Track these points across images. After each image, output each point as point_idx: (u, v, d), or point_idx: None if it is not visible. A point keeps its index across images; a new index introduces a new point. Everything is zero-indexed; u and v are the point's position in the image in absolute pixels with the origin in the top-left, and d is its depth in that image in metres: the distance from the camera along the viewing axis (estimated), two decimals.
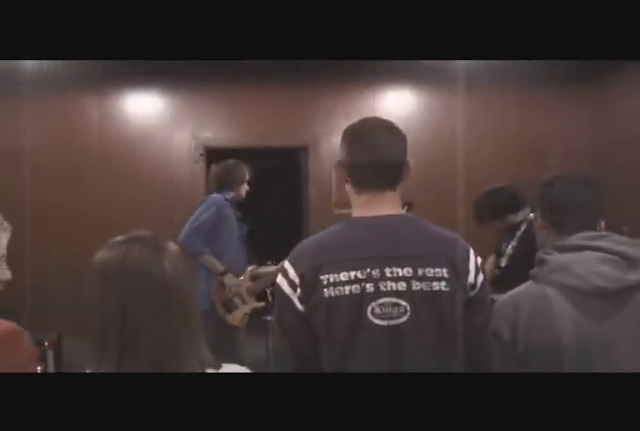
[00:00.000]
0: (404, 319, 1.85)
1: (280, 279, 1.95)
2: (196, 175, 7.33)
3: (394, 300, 1.85)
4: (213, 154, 6.99)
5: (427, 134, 7.14)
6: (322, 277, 1.86)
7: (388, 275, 1.86)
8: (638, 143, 6.65)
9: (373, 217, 1.96)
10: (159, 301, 1.47)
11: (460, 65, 7.13)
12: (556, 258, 1.96)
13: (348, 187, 2.04)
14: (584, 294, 1.88)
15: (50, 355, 5.41)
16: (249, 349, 5.04)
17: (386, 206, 1.98)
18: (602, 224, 2.06)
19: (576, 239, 1.96)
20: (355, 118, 2.15)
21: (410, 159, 2.01)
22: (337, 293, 1.84)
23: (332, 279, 1.85)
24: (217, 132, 7.56)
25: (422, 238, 1.95)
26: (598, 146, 7.48)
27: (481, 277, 1.97)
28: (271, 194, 8.97)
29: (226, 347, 4.15)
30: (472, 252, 1.98)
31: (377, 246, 1.89)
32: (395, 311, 1.85)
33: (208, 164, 5.94)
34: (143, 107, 7.50)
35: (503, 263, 4.02)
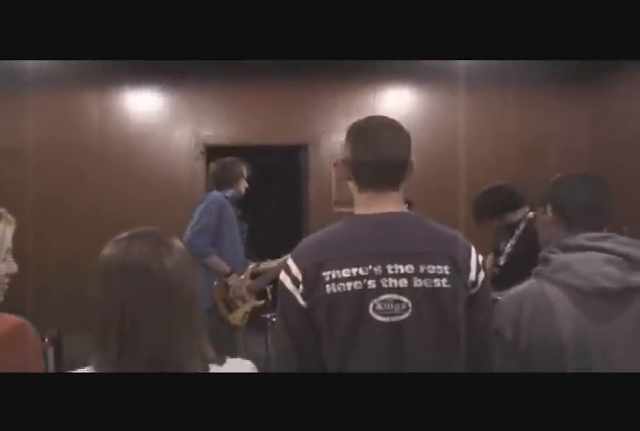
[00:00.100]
0: (405, 315, 1.86)
1: (282, 276, 1.96)
2: (196, 173, 7.34)
3: (395, 297, 1.86)
4: (213, 152, 6.99)
5: (427, 132, 7.14)
6: (324, 274, 1.87)
7: (390, 271, 1.87)
8: (638, 143, 6.66)
9: (375, 215, 1.97)
10: (159, 297, 1.48)
11: (461, 64, 7.14)
12: (561, 257, 1.97)
13: (351, 185, 2.05)
14: (587, 294, 1.89)
15: (51, 352, 5.40)
16: (249, 347, 5.05)
17: (388, 204, 1.99)
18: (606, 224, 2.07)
19: (581, 239, 1.97)
20: (355, 117, 2.15)
21: (413, 158, 2.01)
22: (339, 289, 1.86)
23: (334, 276, 1.86)
24: (217, 130, 7.57)
25: (423, 235, 1.96)
26: (597, 146, 7.49)
27: (482, 274, 1.98)
28: (270, 192, 8.95)
29: (226, 347, 4.15)
30: (473, 250, 1.99)
31: (379, 243, 1.90)
32: (397, 307, 1.86)
33: (209, 162, 5.92)
34: (143, 104, 7.51)
35: (502, 262, 4.03)
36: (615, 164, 6.79)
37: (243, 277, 4.82)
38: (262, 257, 5.19)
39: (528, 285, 2.04)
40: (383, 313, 1.86)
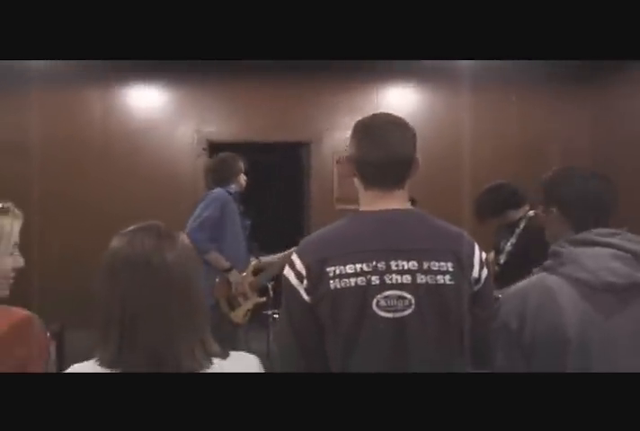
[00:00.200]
0: (408, 311, 1.87)
1: (287, 271, 1.97)
2: (198, 169, 7.30)
3: (399, 293, 1.87)
4: (216, 149, 6.96)
5: (429, 131, 7.13)
6: (328, 269, 1.88)
7: (394, 268, 1.88)
8: (639, 143, 6.65)
9: (379, 211, 1.98)
10: (160, 291, 1.48)
11: (463, 63, 7.13)
12: (570, 251, 1.98)
13: (356, 182, 2.06)
14: (594, 288, 1.91)
15: (52, 347, 5.40)
16: (250, 344, 5.05)
17: (393, 201, 1.99)
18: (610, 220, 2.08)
19: (591, 234, 1.99)
20: (357, 115, 2.16)
21: (419, 156, 2.02)
22: (343, 285, 1.87)
23: (338, 271, 1.87)
24: (219, 126, 7.57)
25: (427, 232, 1.97)
26: (599, 146, 7.48)
27: (485, 271, 1.99)
28: (272, 189, 8.97)
29: (227, 344, 4.10)
30: (477, 247, 2.00)
31: (383, 239, 1.91)
32: (400, 303, 1.87)
33: (211, 158, 5.91)
34: (146, 101, 7.51)
35: (502, 260, 4.03)
36: (616, 164, 6.78)
37: (245, 273, 4.79)
38: (264, 254, 5.16)
39: (535, 278, 2.05)
40: (386, 309, 1.87)
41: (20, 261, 1.86)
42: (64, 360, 5.69)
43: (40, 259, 6.68)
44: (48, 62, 6.67)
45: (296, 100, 7.53)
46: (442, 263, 1.90)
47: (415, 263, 1.89)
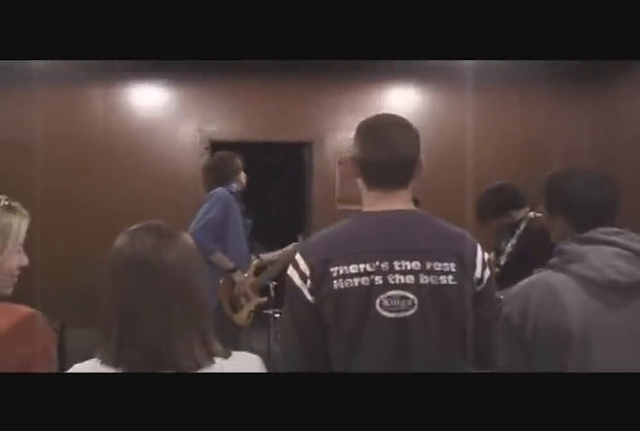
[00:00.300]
0: (411, 312, 1.88)
1: (290, 271, 1.98)
2: (200, 168, 7.35)
3: (402, 293, 1.88)
4: (218, 148, 6.95)
5: (431, 131, 7.13)
6: (332, 270, 1.89)
7: (397, 268, 1.89)
8: None
9: (382, 212, 1.98)
10: (159, 290, 1.49)
11: (465, 63, 7.14)
12: (576, 249, 1.99)
13: (359, 182, 2.06)
14: (598, 286, 1.93)
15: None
16: (251, 343, 5.05)
17: (397, 202, 2.00)
18: (613, 219, 2.10)
19: (597, 233, 2.00)
20: (360, 115, 2.17)
21: (422, 157, 2.03)
22: (346, 285, 1.87)
23: (341, 271, 1.88)
24: (222, 126, 7.58)
25: (430, 232, 1.97)
26: (600, 147, 7.48)
27: (487, 272, 2.00)
28: (274, 189, 8.98)
29: (229, 345, 4.06)
30: (479, 248, 2.01)
31: (386, 240, 1.92)
32: (403, 303, 1.88)
33: None
34: (148, 100, 7.52)
35: (503, 261, 4.03)
36: (617, 165, 6.78)
37: (246, 274, 4.78)
38: (264, 252, 5.14)
39: (539, 275, 2.07)
40: (389, 309, 1.87)
41: (24, 260, 1.87)
42: (64, 358, 5.71)
43: (41, 257, 6.70)
44: (51, 61, 6.68)
45: (298, 100, 7.54)
46: (445, 264, 1.91)
47: (418, 263, 1.89)
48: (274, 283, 5.31)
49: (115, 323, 1.49)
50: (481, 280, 1.98)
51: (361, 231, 1.98)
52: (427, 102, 7.73)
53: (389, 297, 1.87)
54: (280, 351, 2.12)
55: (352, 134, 2.08)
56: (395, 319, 1.88)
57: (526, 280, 2.09)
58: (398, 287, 1.88)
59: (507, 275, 3.65)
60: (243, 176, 4.93)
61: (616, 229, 2.03)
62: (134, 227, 1.59)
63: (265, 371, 1.63)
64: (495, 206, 4.09)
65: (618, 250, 1.95)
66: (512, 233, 4.04)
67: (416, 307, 1.88)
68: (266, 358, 5.14)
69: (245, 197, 5.01)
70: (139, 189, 7.29)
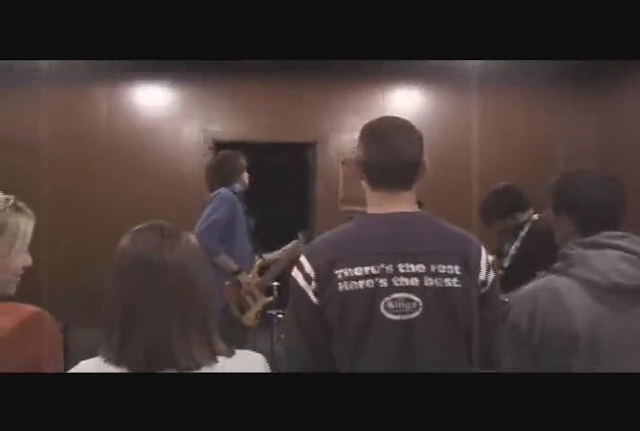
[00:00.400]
0: (416, 314, 1.88)
1: (295, 273, 1.98)
2: (204, 168, 7.35)
3: (406, 295, 1.88)
4: (222, 148, 6.95)
5: (435, 132, 7.13)
6: (336, 272, 1.89)
7: (401, 270, 1.89)
8: None
9: (387, 214, 1.99)
10: (160, 290, 1.50)
11: (470, 64, 7.14)
12: (580, 253, 1.99)
13: (364, 184, 2.07)
14: (603, 290, 1.93)
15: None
16: (255, 343, 5.04)
17: (401, 204, 2.01)
18: (620, 222, 2.10)
19: (600, 237, 2.00)
20: (364, 116, 2.18)
21: (426, 159, 2.04)
22: (351, 287, 1.88)
23: (346, 274, 1.89)
24: (225, 126, 7.58)
25: (434, 235, 1.98)
26: (605, 149, 7.47)
27: (492, 274, 2.00)
28: (278, 189, 8.98)
29: (235, 346, 4.01)
30: (483, 250, 2.01)
31: (391, 242, 1.92)
32: (408, 306, 1.88)
33: None
34: (152, 100, 7.53)
35: (506, 263, 4.02)
36: (623, 167, 6.78)
37: (251, 274, 4.74)
38: (267, 252, 5.10)
39: (544, 280, 2.07)
40: (394, 312, 1.88)
41: (29, 260, 1.88)
42: (67, 358, 5.69)
43: (45, 257, 6.71)
44: (56, 61, 6.69)
45: (302, 100, 7.54)
46: (449, 266, 1.91)
47: (423, 266, 1.90)
48: (277, 283, 5.30)
49: (117, 323, 1.50)
50: (485, 282, 1.98)
51: (366, 233, 1.98)
52: (431, 103, 7.73)
53: (394, 300, 1.88)
54: (284, 352, 2.12)
55: (356, 134, 2.10)
56: (400, 321, 1.88)
57: (532, 284, 2.09)
58: (403, 290, 1.88)
59: (511, 277, 3.64)
60: (246, 176, 4.88)
61: (620, 233, 2.03)
62: (137, 227, 1.59)
63: (269, 370, 1.63)
64: (500, 207, 4.07)
65: (622, 253, 1.96)
66: (516, 236, 4.02)
67: (421, 309, 1.88)
68: (270, 358, 5.13)
69: (249, 197, 4.97)
70: (143, 189, 7.29)
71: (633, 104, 7.06)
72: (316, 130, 7.61)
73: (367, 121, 2.11)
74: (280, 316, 5.51)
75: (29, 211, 1.86)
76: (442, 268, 1.91)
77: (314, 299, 1.92)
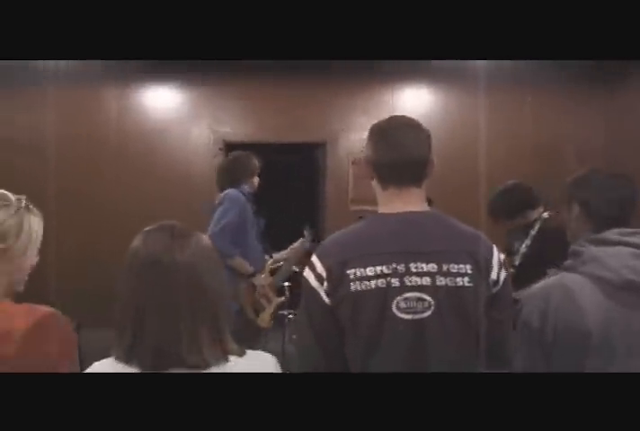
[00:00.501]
0: (427, 313, 1.89)
1: (307, 273, 1.98)
2: (214, 169, 7.35)
3: (418, 295, 1.88)
4: (232, 149, 6.95)
5: (443, 131, 7.13)
6: (348, 272, 1.89)
7: (413, 270, 1.89)
8: None
9: (398, 213, 1.99)
10: (170, 290, 1.51)
11: (477, 64, 7.14)
12: (591, 250, 1.99)
13: (374, 183, 2.07)
14: (615, 287, 1.92)
15: None
16: (267, 344, 5.03)
17: (411, 202, 2.01)
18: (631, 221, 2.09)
19: (612, 234, 2.00)
20: (373, 116, 2.19)
21: (434, 157, 2.04)
22: (363, 287, 1.88)
23: (358, 273, 1.89)
24: (235, 127, 7.60)
25: (446, 234, 1.98)
26: (613, 147, 7.45)
27: (504, 273, 2.00)
28: (288, 189, 8.98)
29: (247, 346, 3.97)
30: (495, 249, 2.02)
31: (403, 241, 1.93)
32: (420, 305, 1.88)
33: None
34: (161, 101, 7.55)
35: (517, 262, 4.01)
36: (630, 166, 6.75)
37: (263, 275, 4.71)
38: (276, 251, 5.08)
39: (556, 277, 2.06)
40: (406, 311, 1.88)
41: (35, 259, 1.89)
42: (80, 359, 5.70)
43: (55, 258, 6.74)
44: (65, 62, 6.72)
45: (311, 100, 7.55)
46: (461, 265, 1.91)
47: (434, 265, 1.90)
48: (288, 283, 5.29)
49: (128, 323, 1.51)
50: (497, 281, 1.98)
51: (377, 232, 1.99)
52: (439, 103, 7.73)
53: (406, 299, 1.88)
54: (296, 352, 2.12)
55: (365, 134, 2.11)
56: (412, 321, 1.88)
57: (543, 282, 2.09)
58: (415, 289, 1.88)
59: (522, 275, 3.63)
60: (256, 180, 4.81)
61: (631, 229, 2.02)
62: (149, 228, 1.60)
63: (279, 370, 1.64)
64: (509, 205, 4.04)
65: (635, 250, 1.95)
66: (526, 234, 4.01)
67: (433, 309, 1.89)
68: (281, 358, 5.13)
69: (258, 197, 4.92)
70: (152, 191, 7.32)
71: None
72: (326, 130, 7.62)
73: (376, 121, 2.12)
74: (291, 316, 5.51)
75: (35, 210, 1.87)
76: (454, 268, 1.91)
77: (326, 299, 1.93)
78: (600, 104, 7.67)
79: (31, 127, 7.29)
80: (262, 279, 4.66)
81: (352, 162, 7.44)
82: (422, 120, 2.09)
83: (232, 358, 1.55)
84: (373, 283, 1.88)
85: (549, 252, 3.53)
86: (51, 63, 6.85)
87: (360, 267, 1.89)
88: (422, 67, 7.07)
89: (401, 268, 1.89)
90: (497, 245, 2.05)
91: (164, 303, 1.50)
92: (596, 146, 7.56)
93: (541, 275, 2.84)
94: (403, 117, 2.12)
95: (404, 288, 1.88)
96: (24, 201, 1.83)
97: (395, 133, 2.02)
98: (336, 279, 1.91)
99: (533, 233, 3.98)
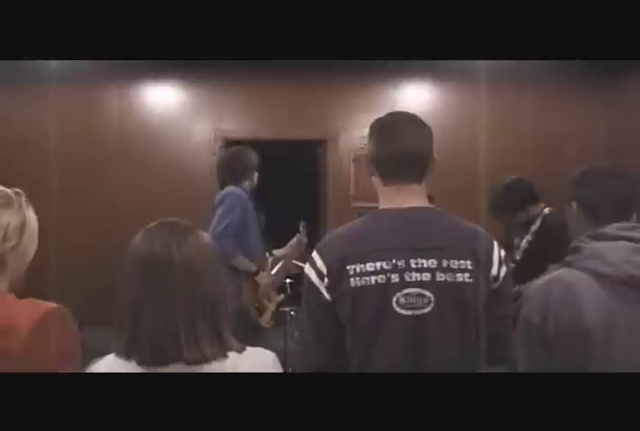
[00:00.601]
0: (427, 309, 1.88)
1: (307, 269, 1.99)
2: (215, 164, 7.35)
3: (418, 290, 1.88)
4: (232, 147, 6.98)
5: (446, 128, 7.13)
6: (348, 267, 1.89)
7: (413, 266, 1.89)
8: None
9: (399, 209, 1.99)
10: (166, 286, 1.52)
11: (480, 61, 7.12)
12: (592, 246, 1.99)
13: (375, 179, 2.07)
14: (616, 282, 1.92)
15: None
16: (268, 341, 5.04)
17: (412, 198, 2.01)
18: (634, 216, 2.09)
19: (612, 229, 2.00)
20: (374, 113, 2.18)
21: (436, 153, 2.04)
22: (363, 283, 1.88)
23: (358, 269, 1.89)
24: (236, 124, 7.60)
25: (446, 230, 1.98)
26: (615, 144, 7.45)
27: (504, 269, 2.00)
28: (289, 186, 8.98)
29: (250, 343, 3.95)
30: (496, 245, 2.01)
31: (403, 237, 1.93)
32: (420, 301, 1.88)
33: None
34: (163, 99, 7.55)
35: (518, 257, 4.02)
36: (633, 162, 6.76)
37: (265, 273, 4.65)
38: (277, 248, 5.06)
39: (557, 273, 2.06)
40: (406, 307, 1.88)
41: (32, 254, 1.88)
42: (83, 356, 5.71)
43: (56, 257, 6.75)
44: (66, 61, 6.71)
45: (312, 98, 7.55)
46: (461, 261, 1.91)
47: (435, 261, 1.90)
48: (290, 280, 5.28)
49: (126, 319, 1.53)
50: (497, 277, 1.98)
51: (378, 228, 1.99)
52: (442, 100, 7.73)
53: (406, 295, 1.88)
54: (299, 349, 2.13)
55: (367, 131, 2.11)
56: (412, 316, 1.88)
57: (544, 278, 2.10)
58: (415, 285, 1.88)
59: (523, 271, 3.64)
60: (256, 175, 4.73)
61: (632, 224, 2.02)
62: (150, 225, 1.61)
63: (279, 367, 1.65)
64: (511, 201, 4.04)
65: (636, 245, 1.95)
66: (527, 230, 4.02)
67: (433, 305, 1.89)
68: (283, 356, 5.14)
69: (259, 194, 4.89)
70: (154, 189, 7.32)
71: None
72: (327, 128, 7.63)
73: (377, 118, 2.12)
74: (294, 313, 5.51)
75: (30, 203, 1.87)
76: (454, 263, 1.91)
77: (326, 295, 1.93)
78: (603, 100, 7.67)
79: (32, 125, 7.29)
80: (266, 278, 4.63)
81: (353, 160, 7.44)
82: (423, 117, 2.09)
83: (231, 354, 1.56)
84: (373, 279, 1.88)
85: (550, 248, 3.54)
86: (52, 62, 6.84)
87: (360, 262, 1.89)
88: (424, 65, 7.06)
89: (401, 263, 1.89)
90: (498, 241, 2.05)
91: (161, 299, 1.51)
92: (598, 143, 7.56)
93: (542, 270, 2.84)
94: (404, 113, 2.11)
95: (404, 284, 1.88)
96: (23, 197, 1.82)
97: (397, 129, 2.02)
98: (336, 275, 1.91)
99: (534, 228, 3.99)
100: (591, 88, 7.63)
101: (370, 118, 2.13)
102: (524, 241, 4.02)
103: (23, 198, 1.81)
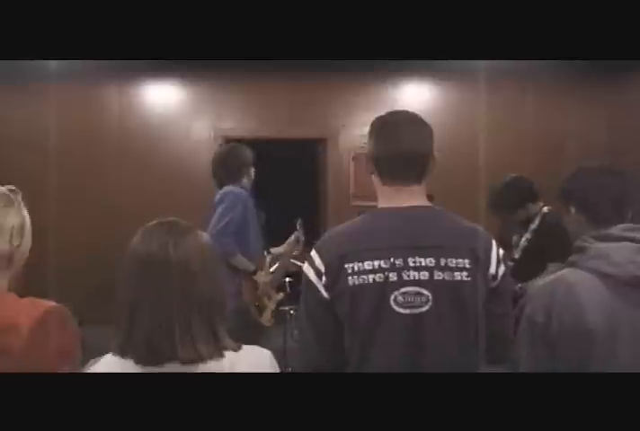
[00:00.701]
0: (425, 308, 1.89)
1: (306, 267, 1.99)
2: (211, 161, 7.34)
3: (416, 289, 1.88)
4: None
5: (446, 127, 7.12)
6: (346, 266, 1.90)
7: (411, 264, 1.89)
8: None
9: (398, 208, 1.99)
10: (162, 286, 1.52)
11: (480, 60, 7.13)
12: (596, 246, 1.99)
13: (374, 178, 2.07)
14: (620, 282, 1.92)
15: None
16: (269, 340, 5.03)
17: (411, 198, 2.01)
18: (630, 215, 2.09)
19: (617, 230, 1.99)
20: (374, 112, 2.18)
21: (436, 152, 2.04)
22: (361, 281, 1.88)
23: (356, 268, 1.89)
24: (236, 123, 7.60)
25: (445, 229, 1.98)
26: (615, 143, 7.45)
27: (502, 268, 2.00)
28: (288, 185, 8.99)
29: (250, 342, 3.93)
30: (494, 244, 2.01)
31: (401, 236, 1.93)
32: (418, 300, 1.88)
33: None
34: (163, 97, 7.55)
35: (517, 255, 4.02)
36: (632, 161, 6.76)
37: (263, 272, 4.63)
38: (274, 246, 5.02)
39: (561, 273, 2.05)
40: (404, 305, 1.88)
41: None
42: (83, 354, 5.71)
43: (56, 254, 6.75)
44: (66, 60, 6.71)
45: (312, 96, 7.55)
46: (460, 260, 1.91)
47: (433, 260, 1.90)
48: (289, 279, 5.27)
49: (124, 318, 1.54)
50: (495, 276, 1.98)
51: (376, 227, 1.99)
52: (442, 99, 7.73)
53: (404, 293, 1.88)
54: (298, 347, 2.13)
55: (366, 130, 2.10)
56: (410, 315, 1.88)
57: (548, 277, 2.09)
58: (413, 284, 1.88)
59: (522, 269, 3.65)
60: (252, 170, 4.66)
61: (635, 225, 2.02)
62: (149, 224, 1.62)
63: (276, 365, 1.65)
64: (510, 199, 4.04)
65: (639, 245, 1.95)
66: (526, 228, 4.02)
67: (430, 303, 1.89)
68: (282, 355, 5.14)
69: (259, 191, 4.86)
70: (154, 187, 7.33)
71: None
72: (327, 126, 7.64)
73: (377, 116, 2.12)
74: (293, 312, 5.51)
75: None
76: (452, 262, 1.91)
77: (324, 293, 1.93)
78: (603, 99, 7.67)
79: (32, 124, 7.30)
80: (264, 276, 4.61)
81: (353, 158, 7.45)
82: (422, 116, 2.08)
83: (227, 353, 1.56)
84: (371, 277, 1.88)
85: (549, 246, 3.55)
86: (52, 62, 6.84)
87: (358, 261, 1.89)
88: (424, 64, 7.06)
89: (399, 262, 1.89)
90: (496, 239, 2.05)
91: (157, 298, 1.52)
92: (598, 141, 7.56)
93: (541, 268, 2.84)
94: (405, 112, 2.11)
95: (402, 283, 1.88)
96: (19, 194, 1.82)
97: (397, 128, 2.02)
98: (334, 273, 1.91)
99: (533, 226, 3.99)
100: (591, 87, 7.64)
101: (370, 117, 2.13)
102: (523, 239, 4.02)
103: (19, 196, 1.82)
